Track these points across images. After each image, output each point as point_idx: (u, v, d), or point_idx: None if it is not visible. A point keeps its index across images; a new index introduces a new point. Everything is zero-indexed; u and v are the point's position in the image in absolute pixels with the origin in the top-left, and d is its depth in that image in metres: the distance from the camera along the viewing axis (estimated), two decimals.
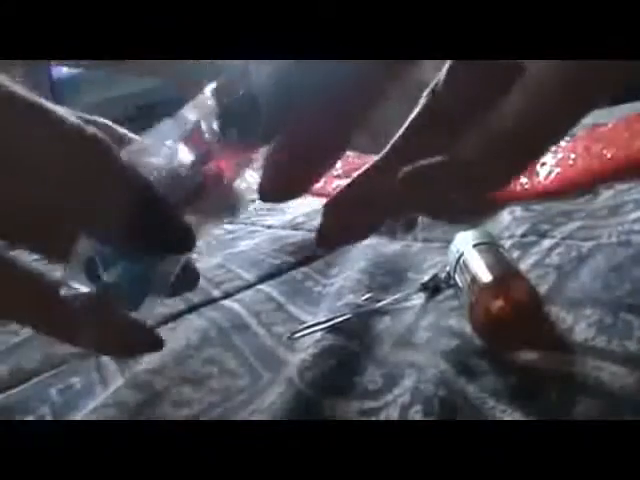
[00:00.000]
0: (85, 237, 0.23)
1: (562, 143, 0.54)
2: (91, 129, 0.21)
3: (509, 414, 0.25)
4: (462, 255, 0.34)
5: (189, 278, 0.30)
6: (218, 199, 0.25)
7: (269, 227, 0.67)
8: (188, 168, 0.23)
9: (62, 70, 2.10)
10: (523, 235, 0.42)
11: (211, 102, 0.23)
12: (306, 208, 0.70)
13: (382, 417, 0.28)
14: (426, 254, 0.46)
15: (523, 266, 0.36)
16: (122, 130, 0.28)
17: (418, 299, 0.38)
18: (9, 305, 0.26)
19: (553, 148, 0.54)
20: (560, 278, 0.34)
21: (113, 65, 1.81)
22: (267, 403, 0.31)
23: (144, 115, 1.95)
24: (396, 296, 0.39)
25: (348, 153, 0.76)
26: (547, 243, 0.39)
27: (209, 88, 0.23)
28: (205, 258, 0.60)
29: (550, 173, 0.52)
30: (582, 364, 0.26)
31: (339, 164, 0.72)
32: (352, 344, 0.34)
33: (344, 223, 0.27)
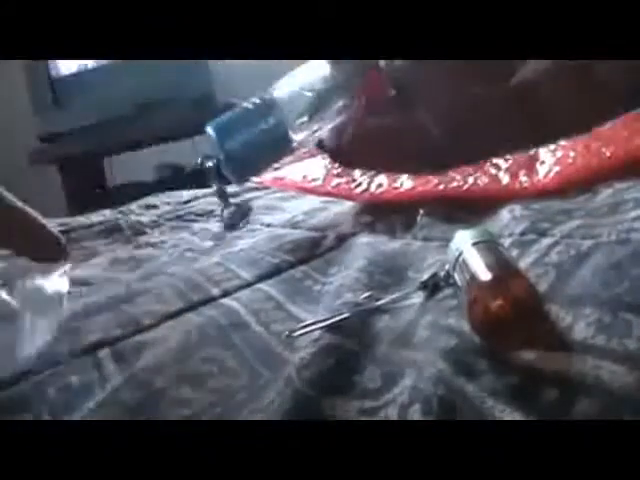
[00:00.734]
0: None
1: (562, 142, 0.54)
2: None
3: (508, 413, 0.25)
4: (461, 254, 0.34)
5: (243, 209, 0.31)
6: None
7: (268, 225, 0.67)
8: None
9: (62, 69, 2.10)
10: (522, 233, 0.42)
11: None
12: (305, 207, 0.70)
13: (381, 416, 0.28)
14: (425, 253, 0.46)
15: (522, 265, 0.36)
16: None
17: (417, 298, 0.38)
18: None
19: (552, 147, 0.54)
20: (559, 277, 0.34)
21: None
22: (266, 402, 0.31)
23: (144, 114, 1.95)
24: (395, 295, 0.39)
25: None
26: (546, 242, 0.39)
27: None
28: (204, 257, 0.60)
29: (549, 171, 0.52)
30: (581, 363, 0.26)
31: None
32: (351, 343, 0.34)
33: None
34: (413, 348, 0.33)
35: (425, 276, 0.39)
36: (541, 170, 0.53)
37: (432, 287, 0.38)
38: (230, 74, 1.81)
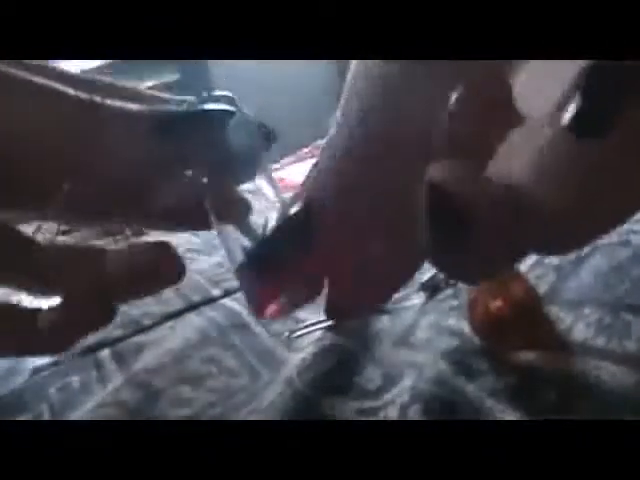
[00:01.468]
0: None
1: None
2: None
3: (508, 414, 0.25)
4: None
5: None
6: None
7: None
8: None
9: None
10: None
11: None
12: None
13: (381, 417, 0.28)
14: None
15: (522, 266, 0.36)
16: None
17: (418, 299, 0.38)
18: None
19: None
20: (559, 278, 0.34)
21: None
22: (266, 402, 0.31)
23: None
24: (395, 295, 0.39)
25: None
26: None
27: None
28: (204, 257, 0.60)
29: None
30: (581, 364, 0.26)
31: None
32: (351, 343, 0.34)
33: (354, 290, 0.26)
34: (413, 349, 0.33)
35: (425, 277, 0.39)
36: None
37: (432, 288, 0.38)
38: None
